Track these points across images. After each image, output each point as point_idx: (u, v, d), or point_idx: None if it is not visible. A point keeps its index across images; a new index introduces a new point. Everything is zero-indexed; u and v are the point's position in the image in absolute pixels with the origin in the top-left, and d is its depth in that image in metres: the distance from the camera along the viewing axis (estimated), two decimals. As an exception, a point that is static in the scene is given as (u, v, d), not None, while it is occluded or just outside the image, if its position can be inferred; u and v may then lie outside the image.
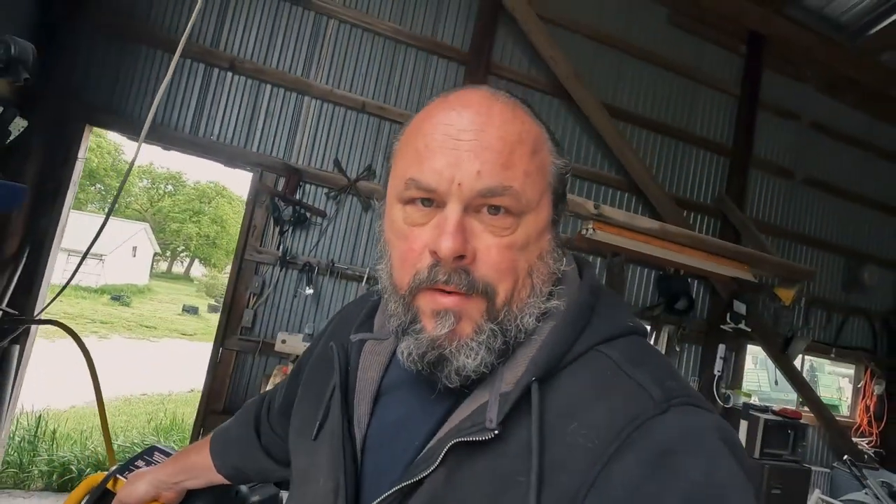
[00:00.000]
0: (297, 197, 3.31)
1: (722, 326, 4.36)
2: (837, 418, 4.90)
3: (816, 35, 4.71)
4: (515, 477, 0.44)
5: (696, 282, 4.45)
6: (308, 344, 2.81)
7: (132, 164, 1.94)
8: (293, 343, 2.88)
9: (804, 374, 4.84)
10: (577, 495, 0.42)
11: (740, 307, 4.34)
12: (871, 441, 5.04)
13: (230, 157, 3.25)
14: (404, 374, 0.56)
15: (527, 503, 0.42)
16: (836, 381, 6.35)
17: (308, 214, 3.33)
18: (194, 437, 3.15)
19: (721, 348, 4.43)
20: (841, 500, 3.37)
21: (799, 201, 5.00)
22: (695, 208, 4.53)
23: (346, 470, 0.54)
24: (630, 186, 4.19)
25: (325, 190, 3.42)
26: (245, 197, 3.43)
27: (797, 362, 4.80)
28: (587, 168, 4.13)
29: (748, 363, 4.80)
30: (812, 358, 5.27)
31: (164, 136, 3.11)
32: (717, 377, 4.39)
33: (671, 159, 4.48)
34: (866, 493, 3.36)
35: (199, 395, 3.10)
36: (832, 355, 5.11)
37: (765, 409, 4.16)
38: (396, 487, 0.49)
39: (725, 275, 3.79)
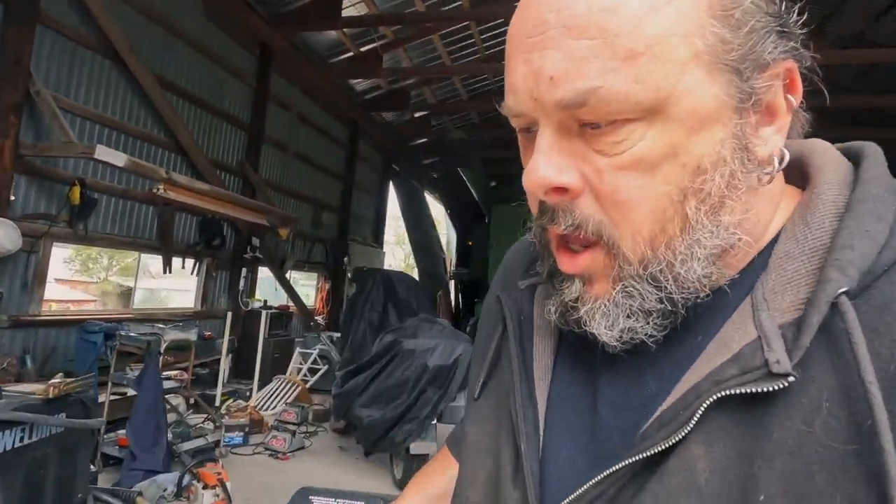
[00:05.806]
0: None
1: (244, 255, 6.18)
2: (308, 307, 7.88)
3: (303, 54, 6.96)
4: (833, 444, 0.29)
5: (226, 224, 6.01)
6: None
7: None
8: None
9: (291, 282, 7.46)
10: None
11: (256, 241, 6.27)
12: (324, 317, 8.39)
13: None
14: None
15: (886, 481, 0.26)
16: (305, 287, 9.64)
17: None
18: None
19: (243, 270, 6.28)
20: (309, 349, 5.99)
21: (291, 168, 7.38)
22: (225, 169, 6.00)
23: (528, 437, 0.41)
24: (175, 148, 5.17)
25: None
26: None
27: (288, 275, 7.33)
28: (138, 129, 4.78)
29: (260, 279, 6.91)
30: (295, 272, 8.03)
31: None
32: (241, 291, 6.25)
33: (207, 128, 5.72)
34: (322, 343, 6.08)
35: None
36: (305, 269, 8.04)
37: (269, 307, 6.38)
38: (629, 461, 0.33)
39: (248, 220, 5.56)
